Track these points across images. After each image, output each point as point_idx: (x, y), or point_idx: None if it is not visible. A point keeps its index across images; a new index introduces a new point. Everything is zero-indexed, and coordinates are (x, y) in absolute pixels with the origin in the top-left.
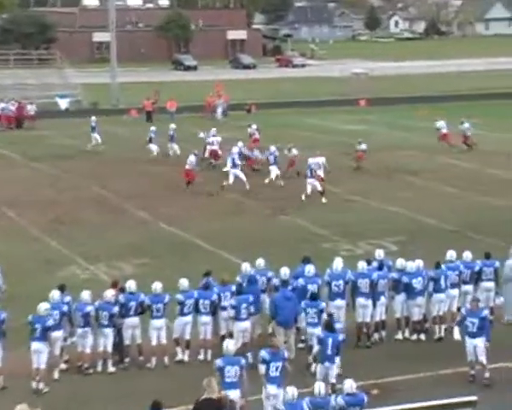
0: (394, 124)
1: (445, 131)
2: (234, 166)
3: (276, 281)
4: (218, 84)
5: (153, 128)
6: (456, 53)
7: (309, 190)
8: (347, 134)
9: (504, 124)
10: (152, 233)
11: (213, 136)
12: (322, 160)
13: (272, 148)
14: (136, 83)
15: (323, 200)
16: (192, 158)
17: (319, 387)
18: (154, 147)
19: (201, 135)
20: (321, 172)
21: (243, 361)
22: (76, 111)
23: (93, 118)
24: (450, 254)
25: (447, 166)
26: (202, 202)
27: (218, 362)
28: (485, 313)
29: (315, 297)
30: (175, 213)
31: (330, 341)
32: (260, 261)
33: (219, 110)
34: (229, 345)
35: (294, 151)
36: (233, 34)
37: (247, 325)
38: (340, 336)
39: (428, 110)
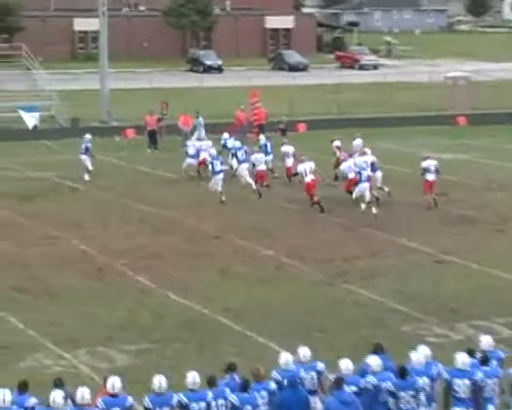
0: (510, 152)
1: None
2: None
3: (330, 378)
4: (254, 92)
5: (190, 142)
6: None
7: (368, 197)
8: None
9: None
10: (155, 307)
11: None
12: (370, 158)
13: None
14: (134, 90)
15: (374, 211)
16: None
17: None
18: (191, 161)
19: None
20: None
21: None
22: (48, 130)
23: (87, 137)
24: None
25: None
26: (227, 263)
27: None
28: None
29: (405, 373)
30: (189, 277)
31: None
32: (305, 351)
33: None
34: None
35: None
36: (274, 21)
37: None
38: None
39: None
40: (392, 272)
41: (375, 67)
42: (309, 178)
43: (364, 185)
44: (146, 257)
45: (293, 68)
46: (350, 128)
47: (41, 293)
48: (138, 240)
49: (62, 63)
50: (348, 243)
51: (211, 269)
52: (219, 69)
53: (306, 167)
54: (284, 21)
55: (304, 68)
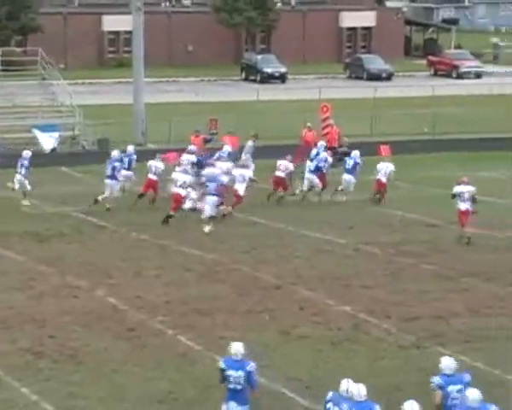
0: None
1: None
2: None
3: None
4: (325, 106)
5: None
6: None
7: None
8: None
9: None
10: (201, 375)
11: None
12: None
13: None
14: (176, 104)
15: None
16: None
17: None
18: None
19: None
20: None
21: None
22: (69, 154)
23: (130, 148)
24: None
25: None
26: (291, 321)
27: None
28: None
29: None
30: (243, 338)
31: None
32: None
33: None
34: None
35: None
36: (352, 18)
37: None
38: None
39: None
40: (501, 334)
41: (479, 75)
42: (177, 190)
43: (212, 199)
44: (189, 313)
45: (375, 77)
46: (446, 152)
47: (60, 357)
48: (180, 291)
49: (88, 71)
50: (443, 297)
51: (270, 329)
52: (282, 78)
53: (179, 179)
54: (364, 18)
55: (388, 77)
